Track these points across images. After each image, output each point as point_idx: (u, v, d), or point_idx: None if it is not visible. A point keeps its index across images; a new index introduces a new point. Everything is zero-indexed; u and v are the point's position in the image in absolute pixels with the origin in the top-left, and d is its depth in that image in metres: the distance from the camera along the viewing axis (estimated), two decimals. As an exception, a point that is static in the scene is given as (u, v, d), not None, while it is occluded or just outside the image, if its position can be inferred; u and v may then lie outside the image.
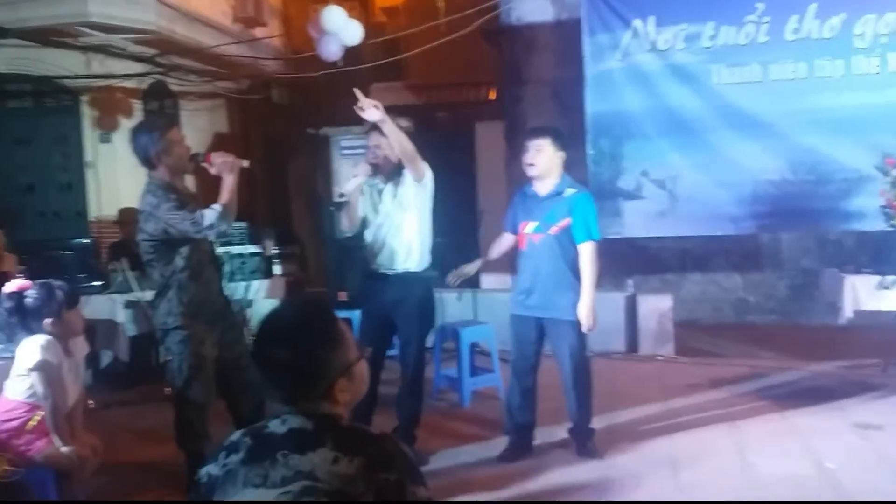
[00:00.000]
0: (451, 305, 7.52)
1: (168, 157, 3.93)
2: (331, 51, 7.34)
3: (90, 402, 6.04)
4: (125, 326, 6.27)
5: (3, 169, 9.97)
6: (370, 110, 4.26)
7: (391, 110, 9.38)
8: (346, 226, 4.62)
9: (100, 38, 9.59)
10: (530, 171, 4.53)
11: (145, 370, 6.58)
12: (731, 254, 8.82)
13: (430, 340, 6.70)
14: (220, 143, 11.76)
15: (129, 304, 6.26)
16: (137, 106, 10.26)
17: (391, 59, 8.88)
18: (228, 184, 3.86)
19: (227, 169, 3.87)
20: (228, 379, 4.09)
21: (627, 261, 8.55)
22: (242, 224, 7.09)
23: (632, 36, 7.38)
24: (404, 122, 8.97)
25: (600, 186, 7.46)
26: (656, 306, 7.38)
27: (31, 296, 3.75)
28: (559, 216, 4.44)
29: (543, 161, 4.47)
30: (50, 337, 3.72)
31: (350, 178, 4.51)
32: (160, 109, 10.81)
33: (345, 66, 8.32)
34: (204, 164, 3.96)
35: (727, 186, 7.25)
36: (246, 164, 3.93)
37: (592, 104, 7.49)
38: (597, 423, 4.96)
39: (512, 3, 8.52)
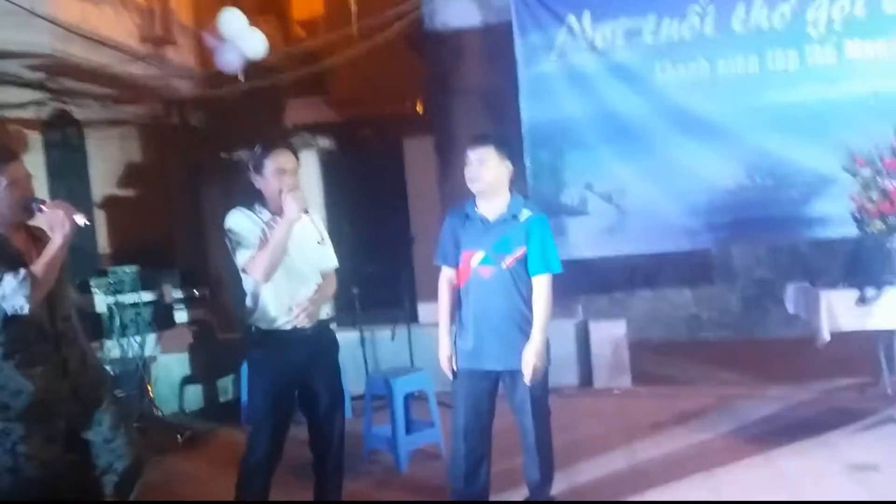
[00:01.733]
0: (383, 346, 6.51)
1: None
2: (230, 61, 6.22)
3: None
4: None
5: None
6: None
7: (312, 128, 8.41)
8: (271, 275, 3.41)
9: (-10, 65, 8.42)
10: (474, 187, 3.61)
11: None
12: (681, 268, 8.02)
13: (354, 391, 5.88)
14: (134, 173, 10.62)
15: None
16: (37, 138, 9.09)
17: (306, 71, 7.81)
18: (53, 244, 2.89)
19: (58, 224, 2.88)
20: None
21: (572, 282, 7.60)
22: (132, 269, 5.86)
23: (567, 34, 6.42)
24: (326, 142, 8.05)
25: (541, 202, 6.42)
26: (609, 333, 6.46)
27: None
28: (514, 245, 3.56)
29: (489, 174, 3.58)
30: None
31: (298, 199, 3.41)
32: (63, 140, 9.63)
33: (256, 81, 7.28)
34: (39, 213, 2.95)
35: (679, 197, 6.32)
36: (83, 221, 2.93)
37: (529, 112, 6.51)
38: (557, 482, 4.04)
39: (434, 6, 7.54)
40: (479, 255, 3.57)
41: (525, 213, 3.61)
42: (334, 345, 3.78)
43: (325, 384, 3.63)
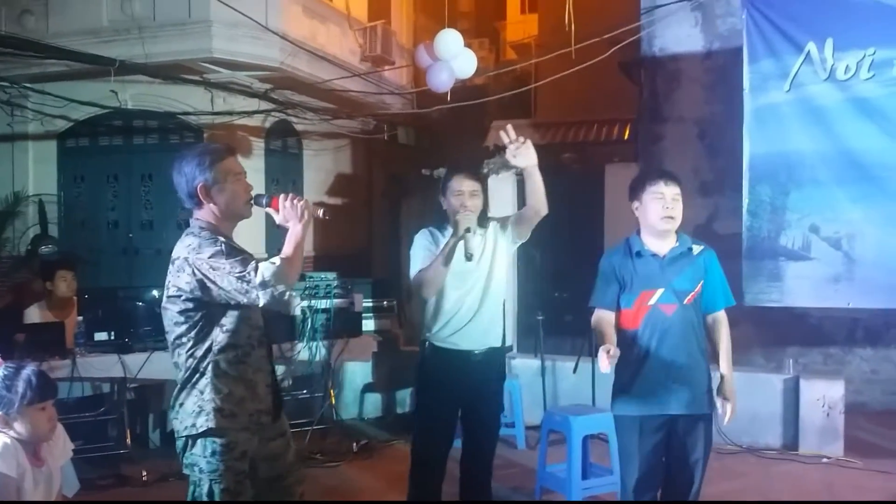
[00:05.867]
0: (564, 378, 6.07)
1: (220, 195, 2.71)
2: (440, 80, 6.10)
3: (144, 473, 5.08)
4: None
5: (128, 204, 9.49)
6: (525, 150, 3.29)
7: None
8: (428, 290, 3.43)
9: (224, 74, 8.97)
10: (668, 225, 3.25)
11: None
12: (912, 326, 6.92)
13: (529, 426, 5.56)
14: (342, 183, 10.94)
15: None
16: (260, 144, 9.58)
17: (513, 91, 7.59)
18: (295, 234, 2.64)
19: (294, 216, 2.65)
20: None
21: (781, 330, 6.80)
22: (329, 275, 5.93)
23: (804, 62, 5.71)
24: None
25: (757, 242, 5.80)
26: (824, 393, 5.60)
27: None
28: (694, 280, 3.28)
29: (680, 213, 3.30)
30: (8, 440, 2.63)
31: (463, 219, 3.39)
32: (283, 148, 10.09)
33: (461, 100, 7.15)
34: (268, 210, 2.73)
35: (922, 249, 5.42)
36: (321, 213, 2.74)
37: (752, 144, 5.85)
38: None
39: (654, 31, 7.09)
40: (658, 293, 3.24)
41: (697, 248, 3.34)
42: (501, 375, 3.72)
43: (483, 410, 3.57)
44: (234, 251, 2.62)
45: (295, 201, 2.66)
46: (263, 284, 2.52)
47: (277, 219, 2.70)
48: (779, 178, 5.78)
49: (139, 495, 4.87)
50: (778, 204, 5.77)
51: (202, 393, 2.66)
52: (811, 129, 5.70)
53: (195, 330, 2.66)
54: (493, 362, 3.57)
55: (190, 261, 2.62)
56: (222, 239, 2.66)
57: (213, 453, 2.65)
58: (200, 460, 2.66)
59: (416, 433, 3.61)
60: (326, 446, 5.68)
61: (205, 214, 2.74)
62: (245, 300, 2.57)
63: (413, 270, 3.45)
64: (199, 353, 2.66)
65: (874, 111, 5.56)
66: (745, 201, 5.86)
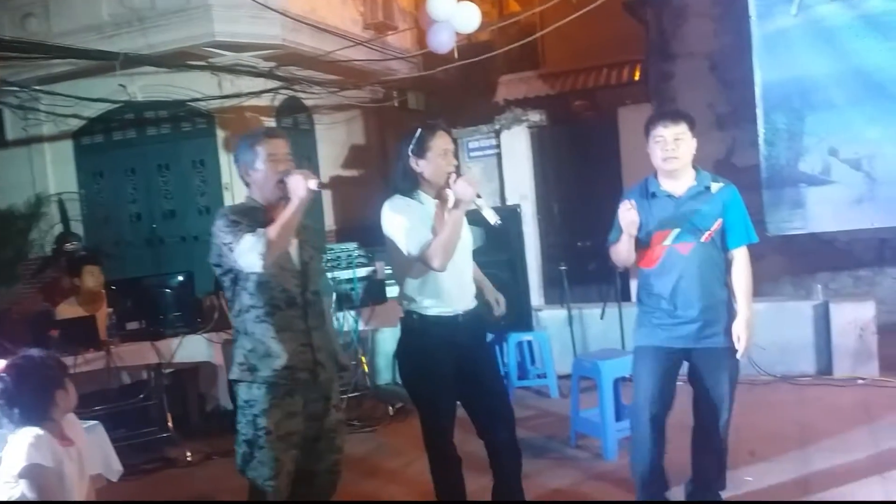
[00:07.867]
0: (592, 326, 6.09)
1: (256, 173, 2.98)
2: (442, 41, 6.06)
3: (188, 454, 5.22)
4: (223, 368, 5.33)
5: (148, 196, 9.60)
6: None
7: (523, 103, 8.14)
8: (444, 263, 3.07)
9: (228, 57, 8.96)
10: (670, 165, 3.30)
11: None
12: (944, 242, 6.82)
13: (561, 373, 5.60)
14: (357, 154, 10.95)
15: (228, 344, 5.30)
16: (271, 124, 9.59)
17: (518, 43, 7.49)
18: (289, 208, 2.84)
19: (295, 189, 2.84)
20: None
21: (810, 258, 6.77)
22: (350, 245, 5.99)
23: (809, -16, 5.62)
24: (537, 116, 7.73)
25: (776, 171, 5.76)
26: (855, 316, 5.57)
27: (8, 377, 2.75)
28: (712, 218, 3.31)
29: (686, 152, 3.32)
30: (41, 431, 2.70)
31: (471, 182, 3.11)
32: (294, 125, 10.10)
33: (468, 58, 7.09)
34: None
35: (945, 162, 5.33)
36: (314, 185, 2.83)
37: (763, 72, 5.76)
38: (787, 471, 3.93)
39: (656, -33, 6.98)
40: (672, 233, 3.30)
41: (716, 185, 3.36)
42: (485, 335, 3.53)
43: (490, 369, 3.39)
44: (234, 224, 2.86)
45: (297, 175, 2.85)
46: (239, 254, 2.80)
47: (290, 193, 2.87)
48: (793, 104, 5.71)
49: (185, 476, 4.99)
50: (794, 130, 5.70)
51: (238, 347, 3.01)
52: (822, 52, 5.61)
53: (230, 292, 3.01)
54: (478, 323, 3.34)
55: (212, 232, 2.95)
56: (231, 215, 2.92)
57: (240, 405, 2.98)
58: (240, 408, 2.98)
59: (421, 408, 3.33)
60: (363, 412, 5.79)
61: (251, 193, 3.05)
62: (237, 266, 2.86)
63: (412, 241, 3.06)
64: (235, 311, 3.01)
65: (884, 28, 5.46)
66: (761, 131, 5.79)
